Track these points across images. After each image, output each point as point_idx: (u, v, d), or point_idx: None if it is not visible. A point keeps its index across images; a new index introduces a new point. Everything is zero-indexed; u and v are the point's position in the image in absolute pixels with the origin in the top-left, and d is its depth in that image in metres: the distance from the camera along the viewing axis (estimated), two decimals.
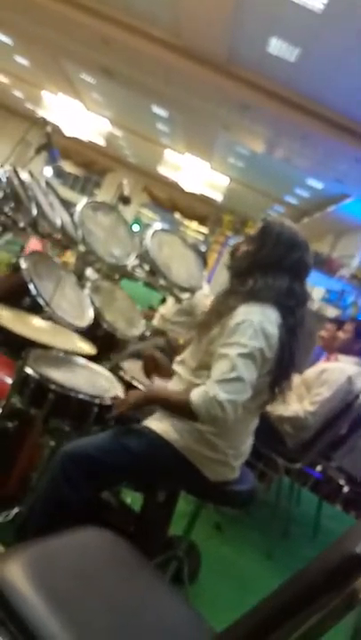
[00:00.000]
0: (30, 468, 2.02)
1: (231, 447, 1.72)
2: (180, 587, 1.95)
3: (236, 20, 7.27)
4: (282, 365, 1.68)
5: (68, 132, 17.02)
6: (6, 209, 2.24)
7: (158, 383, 1.94)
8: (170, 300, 3.77)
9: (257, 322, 1.61)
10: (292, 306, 1.69)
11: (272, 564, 2.73)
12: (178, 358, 1.85)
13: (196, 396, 1.57)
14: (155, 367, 2.03)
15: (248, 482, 1.85)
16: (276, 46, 7.51)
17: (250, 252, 1.76)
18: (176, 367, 1.82)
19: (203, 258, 3.40)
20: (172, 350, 2.79)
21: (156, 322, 3.86)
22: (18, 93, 18.20)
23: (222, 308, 1.71)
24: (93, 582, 1.14)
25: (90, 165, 21.45)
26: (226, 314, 1.67)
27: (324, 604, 0.77)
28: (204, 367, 1.69)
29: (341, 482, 3.58)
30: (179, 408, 1.64)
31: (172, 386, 1.82)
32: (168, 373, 1.93)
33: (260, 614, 0.89)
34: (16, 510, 1.96)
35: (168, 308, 3.86)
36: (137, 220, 19.97)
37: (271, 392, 1.72)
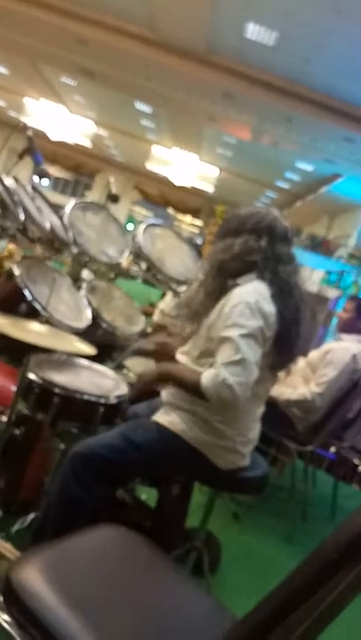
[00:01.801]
0: (42, 473, 2.02)
1: (239, 434, 1.72)
2: (202, 577, 1.96)
3: (212, 9, 7.22)
4: (283, 346, 1.67)
5: (54, 136, 16.98)
6: None
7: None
8: (168, 295, 3.76)
9: (253, 301, 1.61)
10: (276, 270, 1.70)
11: (292, 548, 2.73)
12: (181, 350, 1.85)
13: (206, 378, 1.57)
14: (167, 353, 2.03)
15: (260, 468, 1.85)
16: (254, 31, 7.46)
17: (228, 218, 1.79)
18: (180, 357, 1.82)
19: (197, 250, 3.39)
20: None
21: (156, 317, 3.86)
22: None
23: (217, 295, 1.70)
24: (112, 580, 1.14)
25: (78, 168, 21.42)
26: (222, 299, 1.67)
27: (339, 579, 0.77)
28: (206, 354, 1.69)
29: (356, 461, 3.57)
30: (190, 387, 1.64)
31: None
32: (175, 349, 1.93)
33: (279, 597, 0.88)
34: (32, 516, 1.96)
35: (167, 302, 3.85)
36: (130, 219, 19.96)
37: (273, 372, 1.72)
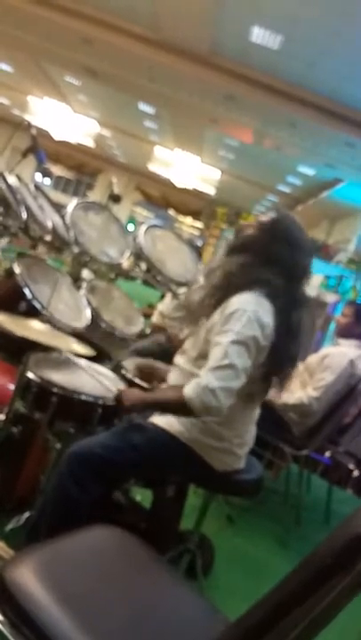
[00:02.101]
0: (38, 472, 2.02)
1: (236, 436, 1.72)
2: (195, 580, 1.96)
3: (217, 11, 7.23)
4: (277, 358, 1.67)
5: (57, 135, 16.99)
6: None
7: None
8: (168, 297, 3.77)
9: (251, 310, 1.61)
10: (289, 307, 1.68)
11: (286, 552, 2.73)
12: (180, 350, 1.85)
13: (188, 389, 1.57)
14: (151, 375, 2.05)
15: (255, 471, 1.86)
16: (259, 35, 7.47)
17: (255, 237, 1.74)
18: (177, 359, 1.82)
19: (198, 251, 3.40)
20: (172, 346, 2.79)
21: (154, 318, 3.86)
22: (3, 100, 18.15)
23: (220, 296, 1.70)
24: (106, 581, 1.14)
25: (81, 168, 21.43)
26: (223, 303, 1.67)
27: (334, 584, 0.77)
28: (204, 356, 1.69)
29: (351, 466, 3.58)
30: (174, 407, 1.64)
31: (172, 379, 1.82)
32: (165, 376, 1.94)
33: (273, 600, 0.89)
34: (27, 515, 1.96)
35: (166, 304, 3.86)
36: (131, 220, 19.96)
37: (265, 383, 1.72)
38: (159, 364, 2.17)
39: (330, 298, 7.85)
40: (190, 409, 1.57)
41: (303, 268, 1.75)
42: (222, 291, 1.72)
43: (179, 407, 1.60)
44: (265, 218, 1.78)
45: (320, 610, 0.82)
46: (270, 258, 1.70)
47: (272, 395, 2.78)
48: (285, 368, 1.73)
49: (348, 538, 0.76)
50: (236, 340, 1.58)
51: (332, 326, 6.50)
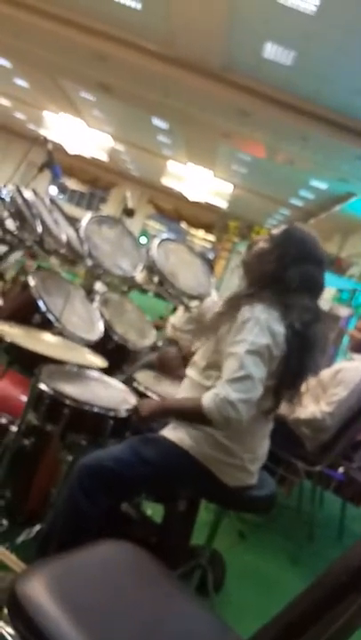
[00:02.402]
0: (50, 484, 2.02)
1: (247, 451, 1.71)
2: (206, 596, 1.93)
3: (230, 28, 7.31)
4: (289, 370, 1.66)
5: (71, 150, 17.20)
6: (12, 228, 2.26)
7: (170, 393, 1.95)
8: (180, 309, 3.77)
9: (263, 319, 1.61)
10: (306, 321, 1.67)
11: (298, 569, 2.69)
12: (191, 361, 1.85)
13: (207, 400, 1.56)
14: (169, 363, 2.04)
15: (268, 487, 1.84)
16: (272, 51, 7.54)
17: (267, 251, 1.74)
18: (188, 371, 1.82)
19: (210, 264, 3.40)
20: (184, 359, 2.78)
21: (168, 331, 3.86)
22: (20, 115, 18.45)
23: (231, 308, 1.71)
24: (117, 596, 1.14)
25: (94, 182, 21.62)
26: (233, 313, 1.67)
27: (348, 604, 0.76)
28: (212, 366, 1.69)
29: None
30: (192, 415, 1.63)
31: (182, 390, 1.82)
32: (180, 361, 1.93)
33: (285, 620, 0.87)
34: (37, 527, 1.96)
35: (178, 317, 3.86)
36: (144, 232, 20.08)
37: (276, 396, 1.70)
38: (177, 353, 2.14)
39: (343, 311, 7.81)
40: (208, 419, 1.56)
41: (316, 280, 1.74)
42: (233, 302, 1.72)
43: (197, 416, 1.59)
44: (276, 231, 1.78)
45: (334, 630, 0.81)
46: (282, 271, 1.69)
47: (284, 410, 2.76)
48: (297, 382, 1.71)
49: None
50: (251, 350, 1.57)
51: (346, 340, 6.45)
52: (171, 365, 2.05)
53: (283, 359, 1.64)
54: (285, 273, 1.69)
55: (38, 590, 1.04)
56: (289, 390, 1.72)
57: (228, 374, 1.57)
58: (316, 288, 1.75)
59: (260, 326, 1.59)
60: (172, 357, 2.05)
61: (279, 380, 1.67)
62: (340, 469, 3.35)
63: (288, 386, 1.70)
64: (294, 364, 1.65)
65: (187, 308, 2.77)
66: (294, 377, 1.69)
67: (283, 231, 1.76)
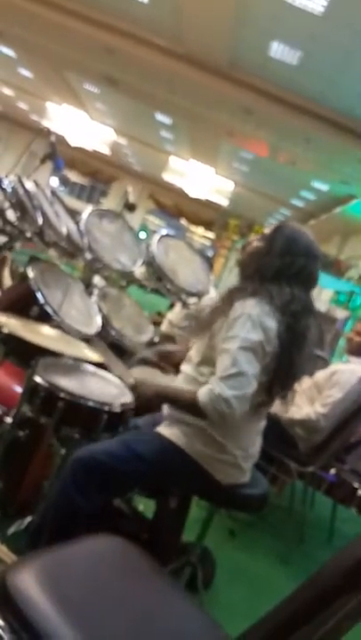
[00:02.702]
0: (42, 477, 2.02)
1: (239, 448, 1.71)
2: (195, 593, 1.94)
3: (238, 26, 7.30)
4: (281, 366, 1.66)
5: (73, 142, 17.14)
6: (12, 219, 2.25)
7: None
8: (177, 306, 3.77)
9: (255, 314, 1.61)
10: (297, 312, 1.68)
11: (287, 569, 2.70)
12: (186, 358, 1.85)
13: (202, 394, 1.57)
14: (170, 361, 2.04)
15: (260, 486, 1.84)
16: (278, 50, 7.53)
17: (260, 249, 1.76)
18: (183, 366, 1.83)
19: (209, 262, 3.40)
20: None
21: (163, 327, 3.86)
22: (22, 105, 18.37)
23: (224, 304, 1.71)
24: (107, 590, 1.14)
25: (96, 175, 21.57)
26: (227, 309, 1.67)
27: (339, 606, 0.76)
28: (206, 362, 1.70)
29: (356, 485, 3.54)
30: (187, 405, 1.64)
31: (177, 384, 1.82)
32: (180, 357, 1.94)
33: (277, 618, 0.88)
34: (29, 519, 1.96)
35: (176, 313, 3.86)
36: (143, 228, 20.06)
37: (268, 392, 1.71)
38: (176, 349, 2.15)
39: (340, 314, 7.82)
40: (202, 412, 1.57)
41: (307, 272, 1.74)
42: (226, 297, 1.74)
43: (193, 409, 1.60)
44: (267, 229, 1.81)
45: (324, 631, 0.81)
46: (273, 264, 1.71)
47: (278, 409, 2.77)
48: (289, 378, 1.71)
49: (357, 560, 0.75)
50: (244, 347, 1.58)
51: (342, 342, 6.47)
52: (170, 361, 2.06)
53: (275, 354, 1.64)
54: (276, 265, 1.70)
55: (28, 582, 1.04)
56: (282, 386, 1.72)
57: (221, 371, 1.58)
58: (309, 280, 1.76)
59: (253, 322, 1.60)
60: (172, 353, 2.05)
61: (272, 376, 1.67)
62: (332, 471, 3.36)
63: (281, 381, 1.70)
64: (286, 358, 1.66)
65: (185, 305, 2.77)
66: (287, 372, 1.69)
67: (274, 228, 1.78)
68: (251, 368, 1.57)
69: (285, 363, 1.67)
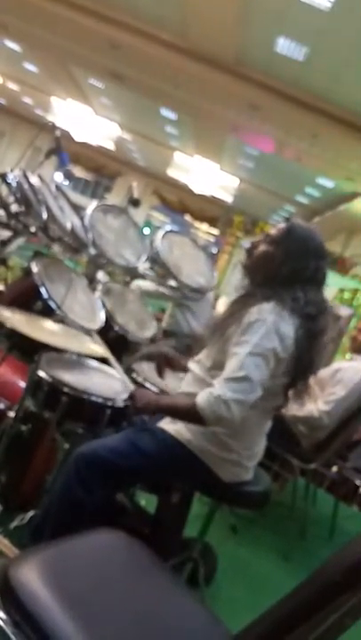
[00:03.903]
0: (45, 471, 2.02)
1: (245, 448, 1.71)
2: (196, 588, 1.94)
3: (244, 21, 7.26)
4: (299, 369, 1.65)
5: (78, 137, 17.11)
6: (17, 213, 2.25)
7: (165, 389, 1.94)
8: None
9: (271, 321, 1.58)
10: (313, 314, 1.66)
11: (289, 566, 2.71)
12: (195, 358, 1.84)
13: (200, 398, 1.56)
14: (167, 363, 2.03)
15: (262, 483, 1.84)
16: (284, 46, 7.48)
17: (270, 254, 1.71)
18: (191, 366, 1.82)
19: (213, 258, 3.39)
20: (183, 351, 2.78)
21: (163, 324, 3.85)
22: (27, 100, 18.34)
23: (238, 309, 1.69)
24: (109, 584, 1.14)
25: (100, 170, 21.54)
26: (240, 314, 1.66)
27: (340, 603, 0.76)
28: (218, 366, 1.67)
29: (358, 482, 3.54)
30: (185, 413, 1.62)
31: (185, 385, 1.81)
32: (181, 367, 1.93)
33: (277, 615, 0.88)
34: (31, 513, 1.97)
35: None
36: (148, 223, 20.03)
37: (285, 394, 1.70)
38: (174, 355, 2.14)
39: (344, 311, 7.80)
40: (201, 418, 1.55)
41: (321, 273, 1.72)
42: (240, 303, 1.71)
43: (190, 415, 1.59)
44: (276, 231, 1.75)
45: (325, 628, 0.81)
46: (288, 268, 1.68)
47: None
48: (307, 377, 1.70)
49: (359, 556, 0.75)
50: (254, 352, 1.55)
51: (345, 340, 6.45)
52: (174, 361, 2.04)
53: (292, 360, 1.62)
54: (288, 270, 1.67)
55: (31, 576, 1.04)
56: (299, 387, 1.70)
57: (227, 373, 1.57)
58: (322, 281, 1.74)
59: (267, 328, 1.57)
60: (172, 357, 2.04)
61: (290, 379, 1.66)
62: (334, 468, 3.36)
63: (298, 383, 1.69)
64: (305, 361, 1.64)
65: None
66: (305, 374, 1.68)
67: (284, 230, 1.71)
68: (258, 374, 1.55)
69: (304, 365, 1.65)
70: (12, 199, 2.28)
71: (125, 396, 1.91)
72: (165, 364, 2.03)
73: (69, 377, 1.91)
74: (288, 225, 1.72)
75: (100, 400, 1.87)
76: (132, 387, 1.94)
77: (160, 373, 2.05)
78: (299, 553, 2.86)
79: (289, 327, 1.60)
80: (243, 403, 1.53)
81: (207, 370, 1.73)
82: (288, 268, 1.67)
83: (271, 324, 1.58)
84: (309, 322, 1.64)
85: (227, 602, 2.15)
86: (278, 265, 1.68)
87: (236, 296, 1.77)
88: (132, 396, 1.73)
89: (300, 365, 1.64)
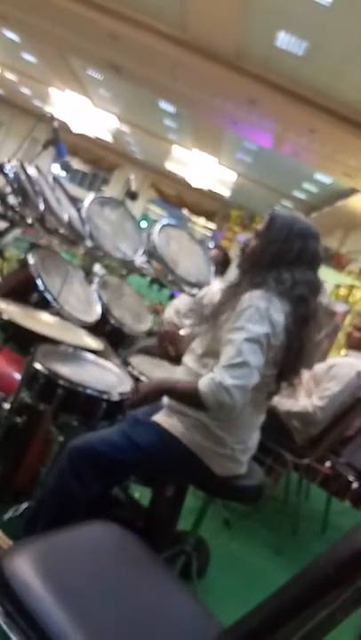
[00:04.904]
0: (39, 463, 2.03)
1: (238, 442, 1.71)
2: (189, 582, 1.95)
3: (244, 14, 7.22)
4: (290, 355, 1.66)
5: (76, 128, 17.03)
6: (14, 204, 2.24)
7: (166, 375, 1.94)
8: (183, 295, 3.75)
9: (263, 307, 1.60)
10: (304, 295, 1.67)
11: (281, 560, 2.72)
12: (188, 349, 1.85)
13: (203, 384, 1.56)
14: (172, 340, 2.03)
15: (256, 477, 1.85)
16: (285, 40, 7.46)
17: (258, 246, 1.74)
18: (185, 358, 1.82)
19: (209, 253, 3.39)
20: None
21: (167, 314, 3.85)
22: (25, 90, 18.23)
23: (231, 296, 1.70)
24: (102, 576, 1.14)
25: (97, 162, 21.45)
26: (233, 301, 1.67)
27: (332, 598, 0.76)
28: (209, 354, 1.68)
29: (351, 478, 3.56)
30: (187, 397, 1.62)
31: (178, 376, 1.81)
32: (185, 346, 1.93)
33: (269, 609, 0.88)
34: (25, 505, 1.97)
35: (183, 300, 3.85)
36: (145, 217, 19.99)
37: (277, 383, 1.71)
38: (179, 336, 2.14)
39: (339, 307, 7.81)
40: (203, 403, 1.56)
41: (311, 253, 1.72)
42: (231, 290, 1.73)
43: (191, 399, 1.59)
44: (260, 225, 1.78)
45: (316, 623, 0.81)
46: (280, 258, 1.69)
47: (276, 401, 2.77)
48: (299, 364, 1.71)
49: (353, 551, 0.75)
50: (250, 338, 1.56)
51: (341, 336, 6.47)
52: (175, 344, 2.04)
53: (282, 348, 1.63)
54: (274, 253, 1.69)
55: (24, 567, 1.05)
56: (291, 373, 1.71)
57: (225, 360, 1.57)
58: (313, 260, 1.73)
59: (260, 314, 1.59)
60: (178, 336, 2.04)
61: (281, 368, 1.67)
62: (328, 463, 3.37)
63: (291, 368, 1.70)
64: (296, 345, 1.65)
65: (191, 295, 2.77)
66: (296, 358, 1.69)
67: (267, 221, 1.75)
68: (255, 359, 1.56)
69: (294, 354, 1.66)
70: (8, 190, 2.26)
71: (124, 389, 1.92)
72: (171, 340, 2.04)
73: (65, 369, 1.91)
74: (270, 215, 1.75)
75: (95, 393, 1.86)
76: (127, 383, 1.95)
77: (164, 349, 2.05)
78: (291, 547, 2.88)
79: (279, 314, 1.62)
80: (243, 388, 1.54)
81: (198, 357, 1.73)
82: (270, 252, 1.69)
83: (264, 310, 1.59)
84: (301, 305, 1.66)
85: (219, 595, 2.16)
86: (261, 251, 1.71)
87: (226, 285, 1.78)
88: (135, 390, 1.74)
89: (290, 354, 1.65)
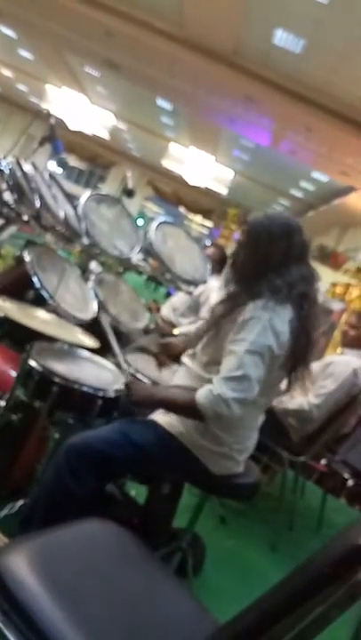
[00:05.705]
0: (35, 461, 2.02)
1: (237, 442, 1.71)
2: (185, 579, 1.96)
3: (242, 12, 7.21)
4: (295, 362, 1.66)
5: (73, 125, 16.99)
6: (9, 201, 2.23)
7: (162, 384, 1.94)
8: (180, 293, 3.75)
9: (266, 318, 1.58)
10: (303, 291, 1.67)
11: (276, 557, 2.73)
12: (189, 351, 1.84)
13: (201, 395, 1.56)
14: (170, 353, 2.03)
15: (252, 475, 1.85)
16: (282, 38, 7.46)
17: (246, 258, 1.73)
18: (185, 360, 1.81)
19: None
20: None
21: (164, 312, 3.85)
22: (22, 87, 18.18)
23: (232, 307, 1.69)
24: (98, 573, 1.14)
25: (94, 159, 21.41)
26: (236, 310, 1.65)
27: (327, 595, 0.76)
28: (214, 362, 1.67)
29: (346, 475, 3.57)
30: (184, 409, 1.62)
31: (179, 378, 1.81)
32: (181, 350, 1.93)
33: (264, 606, 0.88)
34: (21, 502, 1.97)
35: (180, 297, 3.85)
36: (141, 214, 19.96)
37: (288, 377, 1.71)
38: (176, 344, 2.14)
39: (336, 306, 7.83)
40: (200, 414, 1.56)
41: (298, 248, 1.70)
42: (231, 301, 1.71)
43: (188, 411, 1.59)
44: (241, 237, 1.76)
45: (312, 619, 0.82)
46: (265, 263, 1.68)
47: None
48: (301, 370, 1.71)
49: (348, 548, 0.76)
50: (251, 350, 1.55)
51: (337, 334, 6.48)
52: (170, 352, 2.05)
53: (288, 355, 1.63)
54: (259, 261, 1.68)
55: (20, 564, 1.04)
56: (302, 366, 1.71)
57: (225, 372, 1.56)
58: (301, 253, 1.71)
59: (263, 325, 1.57)
60: (172, 344, 2.04)
61: (287, 372, 1.69)
62: (323, 461, 3.38)
63: (301, 362, 1.70)
64: (299, 354, 1.66)
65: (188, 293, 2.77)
66: (299, 366, 1.69)
67: (244, 232, 1.74)
68: (256, 372, 1.55)
69: (298, 358, 1.67)
70: (4, 187, 2.25)
71: (120, 385, 1.91)
72: (169, 353, 2.04)
73: (61, 367, 1.91)
74: (247, 225, 1.74)
75: (91, 390, 1.86)
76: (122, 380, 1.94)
77: (160, 364, 2.05)
78: (287, 544, 2.89)
79: (283, 324, 1.61)
80: (243, 401, 1.54)
81: (203, 365, 1.73)
82: (258, 260, 1.68)
83: (267, 321, 1.58)
84: (303, 301, 1.65)
85: (215, 592, 2.17)
86: (249, 262, 1.70)
87: (223, 295, 1.77)
88: (127, 386, 1.73)
89: (295, 358, 1.66)
